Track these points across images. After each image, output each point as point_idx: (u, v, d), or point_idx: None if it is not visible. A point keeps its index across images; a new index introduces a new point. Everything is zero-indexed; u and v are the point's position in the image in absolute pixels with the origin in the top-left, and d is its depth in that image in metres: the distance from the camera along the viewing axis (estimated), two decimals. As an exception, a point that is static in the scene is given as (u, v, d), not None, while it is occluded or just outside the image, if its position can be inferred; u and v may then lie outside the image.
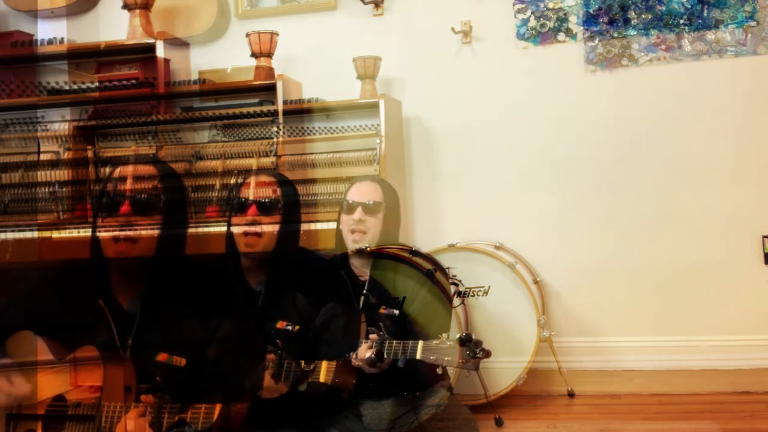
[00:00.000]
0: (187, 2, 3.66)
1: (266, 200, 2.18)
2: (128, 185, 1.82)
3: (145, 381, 1.74)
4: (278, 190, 2.20)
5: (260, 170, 2.31)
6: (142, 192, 1.82)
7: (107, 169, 3.29)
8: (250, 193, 2.18)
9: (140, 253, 1.81)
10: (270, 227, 2.16)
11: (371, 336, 1.97)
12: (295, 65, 3.60)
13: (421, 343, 1.88)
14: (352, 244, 2.35)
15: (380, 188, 2.43)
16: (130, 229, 1.80)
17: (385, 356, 1.92)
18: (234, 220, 2.20)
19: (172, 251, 1.90)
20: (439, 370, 1.85)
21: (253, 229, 2.14)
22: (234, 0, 3.71)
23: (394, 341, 1.93)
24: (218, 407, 1.67)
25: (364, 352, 1.96)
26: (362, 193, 2.40)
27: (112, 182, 1.84)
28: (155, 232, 1.83)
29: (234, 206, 2.22)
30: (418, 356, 1.87)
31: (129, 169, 1.86)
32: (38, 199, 3.32)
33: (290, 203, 2.23)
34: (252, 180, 2.22)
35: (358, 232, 2.34)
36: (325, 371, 1.92)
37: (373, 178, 2.51)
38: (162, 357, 1.71)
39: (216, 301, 1.95)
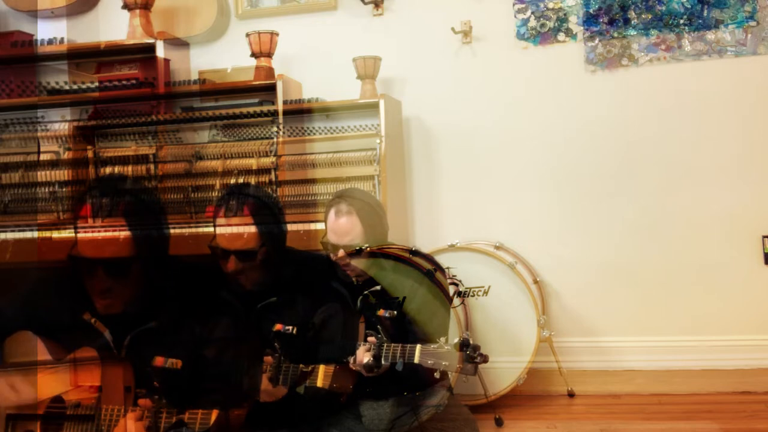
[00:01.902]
0: (187, 2, 3.66)
1: (243, 251, 2.13)
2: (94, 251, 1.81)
3: (143, 385, 1.74)
4: (254, 230, 2.14)
5: (230, 199, 2.20)
6: (110, 261, 1.81)
7: (106, 169, 3.30)
8: (226, 239, 2.15)
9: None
10: (253, 264, 2.13)
11: (369, 339, 1.97)
12: (295, 65, 3.60)
13: (419, 347, 1.87)
14: (345, 274, 2.32)
15: (358, 219, 2.28)
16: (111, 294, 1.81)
17: (383, 361, 1.91)
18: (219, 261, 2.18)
19: (152, 255, 1.90)
20: (437, 374, 1.85)
21: (237, 272, 2.14)
22: (234, 0, 3.71)
23: (392, 344, 1.92)
24: (215, 411, 1.67)
25: (362, 355, 1.95)
26: (340, 232, 2.29)
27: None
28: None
29: (214, 251, 2.19)
30: (416, 360, 1.86)
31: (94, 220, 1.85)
32: (38, 199, 3.32)
33: (270, 216, 2.19)
34: (225, 217, 2.17)
35: (348, 268, 2.30)
36: (322, 376, 1.91)
37: (348, 204, 2.30)
38: (158, 362, 1.71)
39: (212, 302, 1.96)
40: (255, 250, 2.14)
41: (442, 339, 1.87)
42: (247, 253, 2.14)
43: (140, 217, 1.88)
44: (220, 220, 2.19)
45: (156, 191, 2.97)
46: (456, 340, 1.83)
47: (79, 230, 1.82)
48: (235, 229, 2.16)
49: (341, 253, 2.28)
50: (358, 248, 2.28)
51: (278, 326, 1.93)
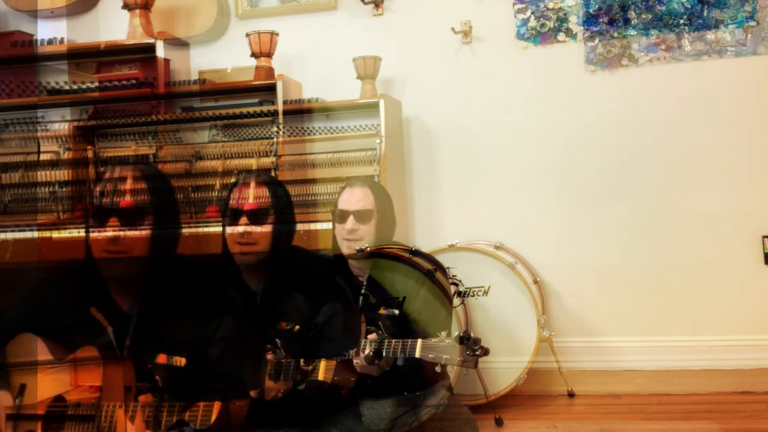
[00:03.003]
0: (187, 2, 3.66)
1: (256, 209, 2.16)
2: (115, 198, 1.83)
3: (145, 380, 1.74)
4: (268, 195, 2.19)
5: (248, 174, 2.25)
6: (128, 208, 1.83)
7: (103, 169, 3.30)
8: (240, 202, 2.17)
9: (132, 256, 1.82)
10: (262, 235, 2.15)
11: (369, 336, 1.97)
12: (295, 65, 3.60)
13: (420, 341, 1.87)
14: (347, 251, 2.33)
15: (371, 192, 2.35)
16: (118, 243, 1.81)
17: (384, 354, 1.91)
18: (227, 228, 2.19)
19: (164, 252, 1.91)
20: (438, 368, 1.85)
21: (245, 240, 2.15)
22: (234, 0, 3.71)
23: (393, 340, 1.92)
24: (217, 406, 1.67)
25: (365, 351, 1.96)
26: (353, 200, 2.33)
27: (98, 196, 1.85)
28: (146, 236, 1.84)
29: (225, 215, 2.21)
30: (417, 354, 1.86)
31: (114, 178, 1.87)
32: (38, 199, 3.32)
33: (281, 204, 2.22)
34: (240, 187, 2.20)
35: (352, 241, 2.31)
36: (323, 370, 1.91)
37: (363, 181, 2.41)
38: (161, 359, 1.71)
39: (215, 300, 1.96)
40: (267, 209, 2.17)
41: (443, 333, 1.86)
42: (259, 214, 2.16)
43: (161, 216, 1.90)
44: (235, 192, 2.21)
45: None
46: (456, 333, 1.83)
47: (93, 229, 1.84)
48: (251, 195, 2.18)
49: (351, 219, 2.29)
50: (358, 249, 2.28)
51: (281, 324, 1.94)
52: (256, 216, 2.16)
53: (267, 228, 2.16)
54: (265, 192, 2.19)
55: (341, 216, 2.32)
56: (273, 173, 3.19)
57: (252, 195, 2.18)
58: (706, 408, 2.92)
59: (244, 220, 2.15)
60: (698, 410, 2.90)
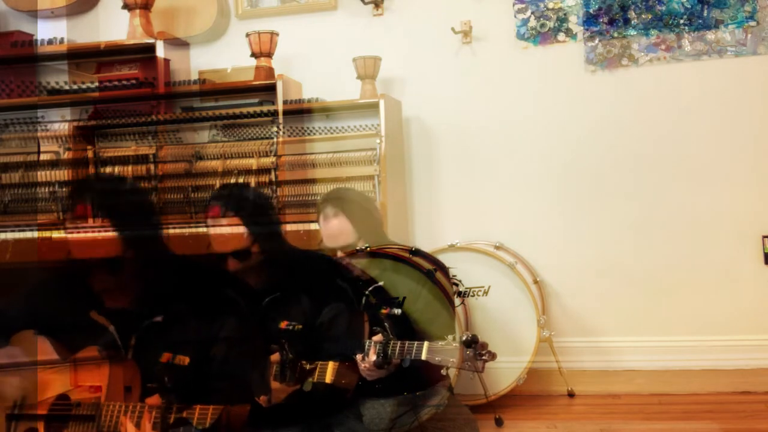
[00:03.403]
0: (187, 2, 3.66)
1: (238, 251, 2.12)
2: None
3: (151, 381, 1.74)
4: (243, 229, 2.13)
5: (216, 201, 2.18)
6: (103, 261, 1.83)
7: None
8: (219, 245, 2.15)
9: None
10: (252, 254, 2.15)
11: (375, 337, 1.96)
12: (295, 65, 3.60)
13: (426, 343, 1.87)
14: (349, 272, 2.33)
15: (345, 218, 2.32)
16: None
17: (391, 357, 1.91)
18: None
19: (147, 251, 1.91)
20: (444, 371, 1.85)
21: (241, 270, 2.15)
22: (234, 0, 3.71)
23: (399, 342, 1.92)
24: (223, 407, 1.67)
25: (371, 354, 1.95)
26: (331, 235, 2.32)
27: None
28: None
29: (214, 255, 2.21)
30: (424, 357, 1.86)
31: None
32: (38, 199, 3.32)
33: (258, 217, 2.20)
34: (210, 222, 2.16)
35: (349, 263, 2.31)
36: (331, 372, 1.91)
37: (333, 206, 2.34)
38: (165, 358, 1.71)
39: (216, 300, 1.96)
40: (248, 248, 2.15)
41: (450, 336, 1.86)
42: (242, 253, 2.15)
43: (127, 216, 1.89)
44: (209, 222, 2.19)
45: (146, 189, 3.00)
46: (464, 337, 1.83)
47: (70, 230, 1.84)
48: (223, 231, 2.16)
49: (340, 254, 2.29)
50: (358, 249, 2.28)
51: (283, 324, 1.93)
52: (239, 255, 2.13)
53: (250, 259, 2.14)
54: (240, 226, 2.12)
55: (329, 251, 2.32)
56: (273, 173, 3.19)
57: (227, 235, 2.15)
58: (706, 408, 2.92)
59: (231, 260, 2.13)
60: (698, 410, 2.90)
